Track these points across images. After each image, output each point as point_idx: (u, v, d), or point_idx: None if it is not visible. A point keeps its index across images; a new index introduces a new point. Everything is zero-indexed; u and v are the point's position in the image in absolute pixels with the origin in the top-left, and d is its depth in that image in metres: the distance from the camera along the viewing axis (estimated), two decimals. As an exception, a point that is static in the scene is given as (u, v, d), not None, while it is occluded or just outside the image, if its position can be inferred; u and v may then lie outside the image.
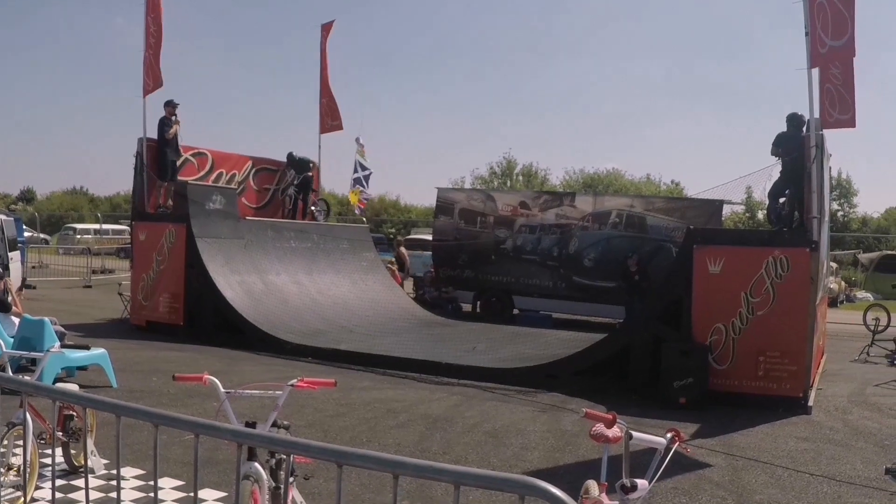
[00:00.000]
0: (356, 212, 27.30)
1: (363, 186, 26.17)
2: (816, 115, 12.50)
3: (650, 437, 4.70)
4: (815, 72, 12.48)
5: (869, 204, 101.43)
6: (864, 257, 39.82)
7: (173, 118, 19.39)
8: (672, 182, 66.47)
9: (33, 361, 8.71)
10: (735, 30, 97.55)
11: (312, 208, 23.72)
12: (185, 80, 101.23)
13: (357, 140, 25.75)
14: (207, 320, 17.51)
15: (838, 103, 12.36)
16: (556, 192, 41.44)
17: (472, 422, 10.86)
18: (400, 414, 11.15)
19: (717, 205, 21.66)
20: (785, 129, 13.90)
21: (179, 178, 19.45)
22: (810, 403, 12.24)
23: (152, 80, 19.35)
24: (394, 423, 10.60)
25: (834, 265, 32.02)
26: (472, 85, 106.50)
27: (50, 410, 4.53)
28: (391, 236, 50.38)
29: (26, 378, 5.95)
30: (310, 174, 23.43)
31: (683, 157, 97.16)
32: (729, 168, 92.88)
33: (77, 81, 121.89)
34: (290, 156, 23.25)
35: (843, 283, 35.91)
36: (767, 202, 15.17)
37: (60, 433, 7.31)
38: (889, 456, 9.68)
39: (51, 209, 71.84)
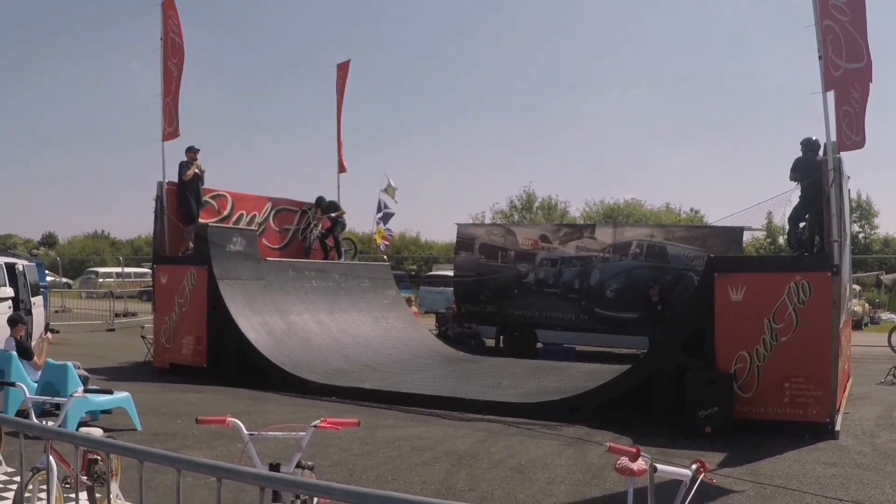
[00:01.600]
0: (381, 248, 27.40)
1: (385, 225, 26.32)
2: (833, 138, 12.46)
3: (675, 468, 4.68)
4: (831, 95, 12.48)
5: (890, 224, 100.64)
6: (887, 278, 39.49)
7: (194, 163, 19.52)
8: (692, 210, 66.31)
9: (57, 406, 8.73)
10: (751, 55, 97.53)
11: (343, 250, 23.80)
12: (202, 122, 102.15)
13: (387, 177, 25.89)
14: (230, 362, 17.53)
15: (855, 125, 12.36)
16: (575, 224, 41.50)
17: (497, 457, 10.80)
18: (425, 451, 11.11)
19: (737, 231, 21.61)
20: (801, 153, 13.91)
21: (200, 220, 19.55)
22: (837, 428, 12.13)
23: (170, 125, 19.53)
24: (419, 461, 10.56)
25: (857, 287, 31.81)
26: (491, 119, 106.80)
27: (74, 455, 4.55)
28: (412, 273, 50.46)
29: (50, 423, 5.98)
30: (341, 214, 23.62)
31: (703, 185, 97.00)
32: (749, 194, 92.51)
33: (95, 125, 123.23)
34: (320, 199, 23.47)
35: (866, 305, 35.71)
36: (788, 227, 15.14)
37: (85, 477, 7.31)
38: (919, 480, 9.59)
39: (73, 253, 72.29)
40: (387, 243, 27.01)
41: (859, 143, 12.40)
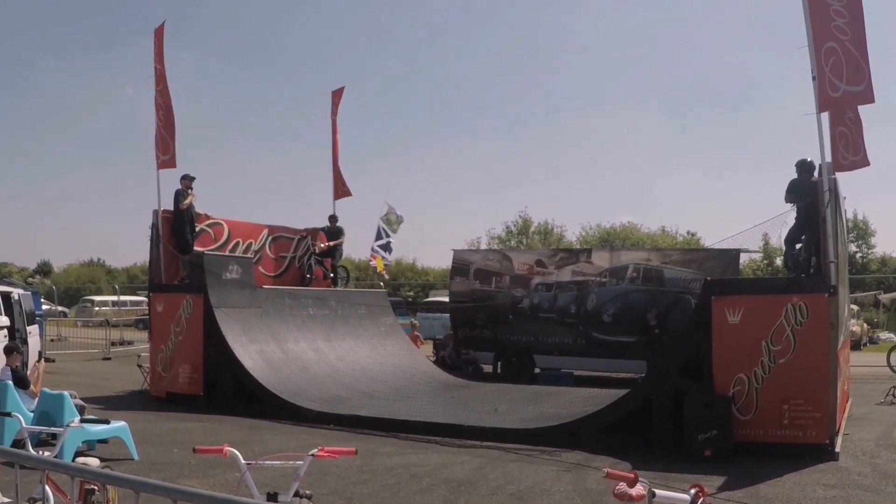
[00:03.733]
0: (385, 276, 27.48)
1: (385, 253, 26.35)
2: (828, 158, 12.54)
3: (673, 494, 4.65)
4: (825, 116, 12.54)
5: (887, 243, 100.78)
6: (885, 298, 39.55)
7: (189, 191, 19.57)
8: (688, 233, 66.39)
9: (53, 436, 8.69)
10: (743, 77, 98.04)
11: (333, 275, 23.83)
12: (196, 148, 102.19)
13: (390, 206, 25.91)
14: (227, 390, 17.49)
15: (852, 146, 12.40)
16: (571, 248, 41.59)
17: (496, 484, 10.76)
18: (423, 479, 11.07)
19: (734, 254, 21.66)
20: (796, 175, 13.96)
21: (196, 248, 19.56)
22: (837, 449, 12.12)
23: (163, 153, 19.59)
24: (417, 489, 10.52)
25: (855, 307, 31.83)
26: (486, 144, 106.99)
27: (70, 486, 4.53)
28: (409, 300, 50.43)
29: (46, 454, 5.95)
30: (341, 242, 23.73)
31: (698, 208, 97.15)
32: (745, 216, 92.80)
33: (90, 152, 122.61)
34: (333, 217, 23.74)
35: (865, 325, 35.73)
36: (784, 249, 15.17)
37: (82, 508, 7.27)
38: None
39: (68, 282, 72.29)
40: (385, 272, 27.13)
41: (860, 163, 12.47)
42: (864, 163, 12.61)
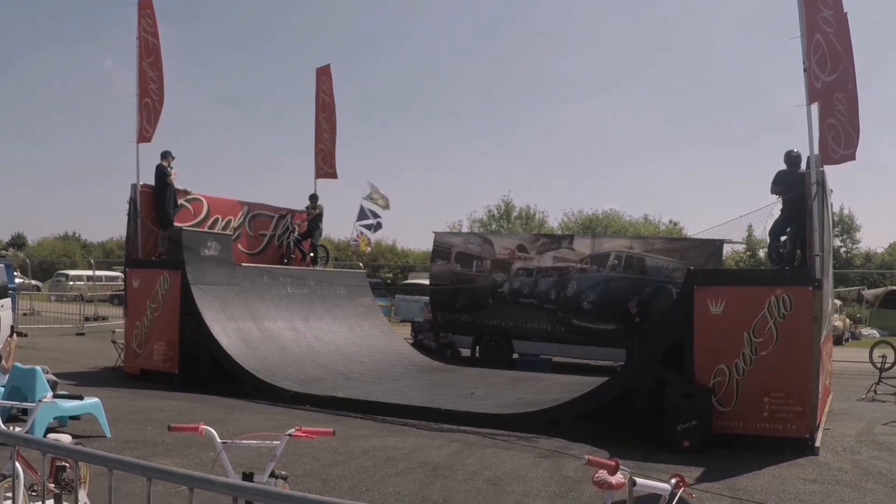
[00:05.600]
0: (367, 251, 27.47)
1: (370, 233, 26.31)
2: (816, 151, 12.55)
3: (654, 482, 4.65)
4: (815, 108, 12.55)
5: (872, 239, 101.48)
6: (868, 294, 39.82)
7: (170, 168, 19.43)
8: (671, 222, 66.54)
9: (24, 411, 8.61)
10: (733, 67, 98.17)
11: (312, 254, 23.79)
12: (177, 123, 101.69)
13: (373, 187, 25.79)
14: (203, 368, 17.42)
15: (843, 138, 12.39)
16: (553, 234, 41.56)
17: (472, 469, 10.77)
18: (399, 462, 11.06)
19: (717, 244, 21.70)
20: (784, 166, 13.97)
21: (175, 224, 19.42)
22: (818, 444, 12.15)
23: (149, 127, 19.41)
24: (393, 472, 10.51)
25: (838, 302, 31.97)
26: (469, 127, 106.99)
27: (41, 462, 4.49)
28: (388, 281, 50.40)
29: (17, 429, 5.89)
30: (319, 214, 23.79)
31: (682, 197, 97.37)
32: (729, 207, 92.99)
33: (67, 124, 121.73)
34: (313, 197, 23.91)
35: (847, 320, 35.90)
36: (768, 241, 15.18)
37: (52, 485, 7.21)
38: (899, 497, 9.62)
39: (42, 255, 71.73)
40: (368, 251, 27.06)
41: (848, 157, 12.46)
42: (851, 157, 12.60)
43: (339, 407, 14.92)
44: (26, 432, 5.96)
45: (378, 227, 25.93)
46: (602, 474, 4.80)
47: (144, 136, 19.49)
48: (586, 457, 4.85)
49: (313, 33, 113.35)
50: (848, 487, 10.17)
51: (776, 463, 11.28)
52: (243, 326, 18.54)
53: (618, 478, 4.74)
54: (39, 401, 7.21)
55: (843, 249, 60.47)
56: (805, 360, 12.19)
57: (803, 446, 11.98)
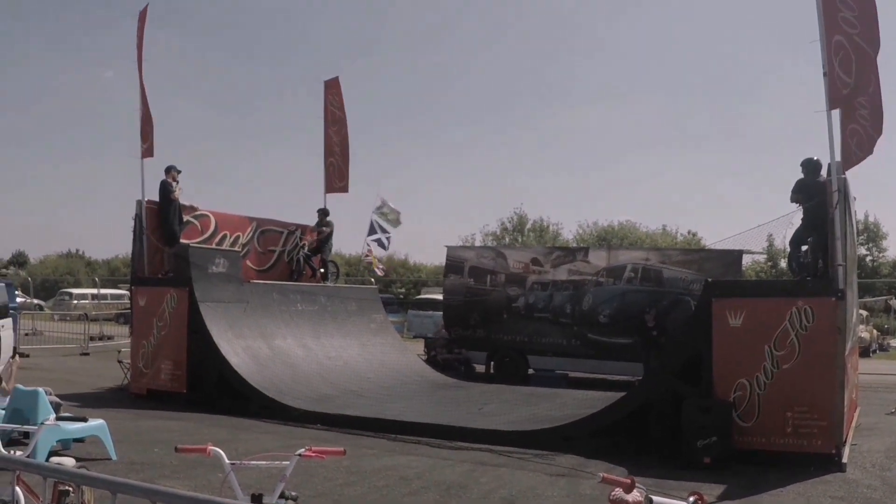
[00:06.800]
0: (380, 273, 27.52)
1: (384, 248, 26.34)
2: (838, 157, 12.40)
3: (671, 500, 4.62)
4: (836, 113, 12.45)
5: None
6: (896, 303, 39.50)
7: (175, 183, 19.45)
8: (689, 233, 66.35)
9: (26, 435, 8.60)
10: (751, 73, 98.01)
11: (323, 270, 23.79)
12: (184, 139, 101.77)
13: (383, 202, 25.81)
14: (211, 387, 17.40)
15: (867, 143, 12.29)
16: (568, 247, 41.51)
17: (487, 488, 10.74)
18: (413, 481, 11.05)
19: (736, 255, 21.63)
20: (802, 175, 13.88)
21: (181, 240, 19.44)
22: (844, 460, 11.97)
23: (143, 141, 19.46)
24: (406, 491, 10.50)
25: (864, 313, 31.74)
26: (481, 139, 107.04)
27: (43, 486, 4.49)
28: (400, 296, 50.37)
29: (18, 453, 5.89)
30: (329, 231, 23.76)
31: (700, 208, 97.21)
32: (748, 216, 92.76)
33: (68, 138, 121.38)
34: (323, 211, 23.85)
35: (874, 331, 35.61)
36: (789, 250, 15.11)
37: (55, 510, 7.19)
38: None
39: (45, 273, 71.74)
40: (383, 268, 27.19)
41: (864, 156, 12.34)
42: (868, 153, 12.45)
43: (351, 425, 14.89)
44: (28, 456, 5.96)
45: (387, 241, 25.95)
46: (618, 493, 4.78)
47: (144, 150, 19.52)
48: (601, 474, 4.84)
49: (321, 44, 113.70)
50: (878, 505, 10.04)
51: (801, 480, 11.14)
52: (252, 344, 18.54)
53: (634, 496, 4.72)
54: (41, 423, 7.21)
55: (868, 258, 60.09)
56: (829, 373, 12.05)
57: (829, 462, 11.82)
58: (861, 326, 26.30)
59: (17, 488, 4.49)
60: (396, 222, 25.87)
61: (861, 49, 12.25)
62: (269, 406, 16.29)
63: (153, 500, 3.29)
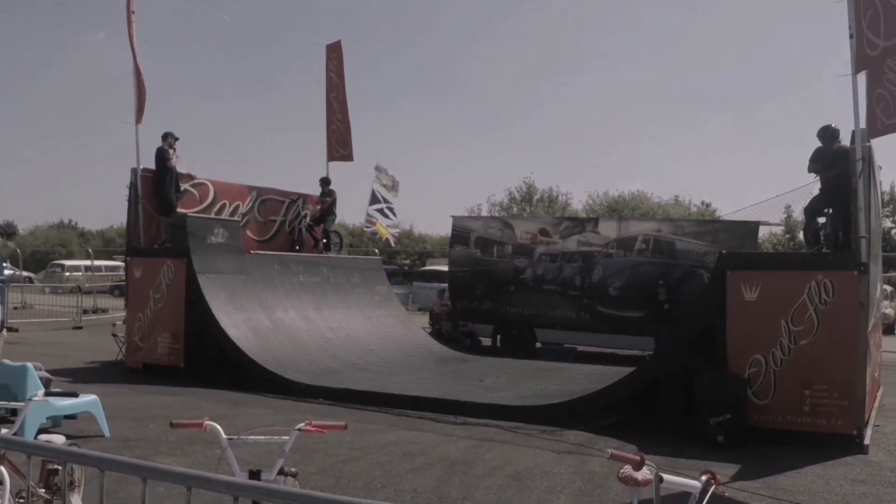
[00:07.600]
0: (392, 244, 27.49)
1: (390, 218, 26.27)
2: (863, 124, 12.14)
3: (683, 479, 4.57)
4: (861, 77, 12.21)
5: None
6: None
7: (172, 150, 19.34)
8: (703, 203, 65.96)
9: (14, 411, 8.53)
10: (767, 39, 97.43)
11: (325, 240, 23.74)
12: (181, 106, 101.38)
13: (380, 169, 25.75)
14: (210, 361, 17.36)
15: (894, 110, 11.93)
16: (577, 217, 41.29)
17: (492, 464, 10.72)
18: (416, 457, 11.03)
19: (752, 226, 21.49)
20: (819, 144, 13.71)
21: (179, 209, 19.38)
22: (866, 442, 11.81)
23: (142, 108, 19.35)
24: (410, 467, 10.48)
25: (889, 288, 31.49)
26: (489, 107, 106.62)
27: (29, 466, 4.43)
28: (405, 268, 50.35)
29: (4, 431, 5.84)
30: (331, 201, 23.69)
31: (714, 177, 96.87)
32: (765, 187, 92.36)
33: (59, 103, 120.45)
34: (325, 180, 23.69)
35: (900, 307, 35.35)
36: (805, 220, 14.96)
37: (43, 490, 7.12)
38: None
39: (35, 245, 71.57)
40: (395, 237, 27.21)
41: (893, 126, 12.04)
42: (894, 128, 12.21)
43: (354, 400, 14.90)
44: (14, 434, 5.90)
45: (390, 212, 25.91)
46: (627, 470, 4.73)
47: (139, 116, 19.43)
48: (609, 451, 4.79)
49: (325, 10, 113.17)
50: (902, 490, 9.93)
51: (820, 461, 11.02)
52: (253, 316, 18.51)
53: (644, 473, 4.67)
54: (29, 399, 7.15)
55: (894, 231, 59.63)
56: (849, 350, 11.87)
57: (850, 444, 11.65)
58: (885, 302, 26.12)
59: (2, 468, 4.42)
60: (394, 189, 25.82)
61: (892, 7, 11.82)
62: (269, 380, 16.27)
63: (143, 476, 3.24)
